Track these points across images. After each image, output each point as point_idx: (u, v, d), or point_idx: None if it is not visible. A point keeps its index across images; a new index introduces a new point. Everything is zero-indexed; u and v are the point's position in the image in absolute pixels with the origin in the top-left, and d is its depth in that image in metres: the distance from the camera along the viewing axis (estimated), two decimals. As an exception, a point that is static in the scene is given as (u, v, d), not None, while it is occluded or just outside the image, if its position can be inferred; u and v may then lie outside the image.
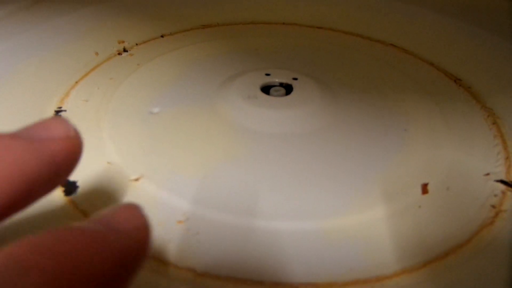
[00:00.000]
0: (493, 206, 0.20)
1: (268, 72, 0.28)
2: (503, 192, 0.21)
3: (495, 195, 0.20)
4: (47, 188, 0.12)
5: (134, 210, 0.12)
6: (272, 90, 0.26)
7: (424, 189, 0.21)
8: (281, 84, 0.27)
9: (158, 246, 0.17)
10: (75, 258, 0.09)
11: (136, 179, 0.20)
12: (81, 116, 0.25)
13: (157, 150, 0.22)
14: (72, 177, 0.20)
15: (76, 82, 0.28)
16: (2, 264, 0.09)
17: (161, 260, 0.17)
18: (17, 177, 0.10)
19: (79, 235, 0.10)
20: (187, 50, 0.32)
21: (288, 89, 0.27)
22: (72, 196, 0.20)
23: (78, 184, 0.20)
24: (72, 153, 0.12)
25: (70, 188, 0.20)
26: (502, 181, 0.21)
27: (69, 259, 0.09)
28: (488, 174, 0.21)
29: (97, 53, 0.31)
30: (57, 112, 0.25)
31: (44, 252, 0.09)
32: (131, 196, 0.20)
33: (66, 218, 0.18)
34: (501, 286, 0.17)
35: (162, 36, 0.34)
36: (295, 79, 0.27)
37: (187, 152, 0.22)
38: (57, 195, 0.19)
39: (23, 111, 0.24)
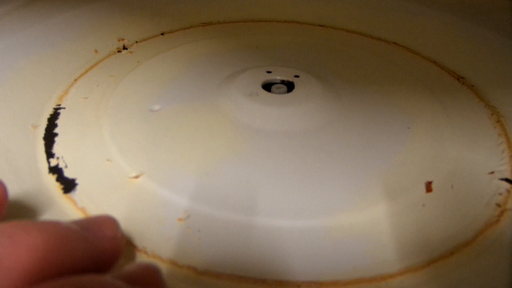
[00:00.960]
0: (498, 205, 0.20)
1: (269, 70, 0.27)
2: (508, 191, 0.20)
3: (500, 194, 0.20)
4: None
5: (111, 221, 0.14)
6: (273, 88, 0.26)
7: (428, 187, 0.20)
8: (282, 82, 0.27)
9: (158, 244, 0.17)
10: (59, 246, 0.12)
11: (136, 177, 0.20)
12: (80, 113, 0.24)
13: (158, 147, 0.22)
14: (72, 175, 0.20)
15: (76, 80, 0.28)
16: None
17: (161, 258, 0.17)
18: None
19: (64, 229, 0.12)
20: (187, 47, 0.32)
21: (289, 86, 0.26)
22: (71, 194, 0.19)
23: (77, 181, 0.20)
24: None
25: (69, 185, 0.20)
26: (506, 180, 0.21)
27: (54, 246, 0.11)
28: (492, 172, 0.21)
29: (96, 51, 0.30)
30: (56, 109, 0.25)
31: (35, 232, 0.11)
32: (131, 193, 0.19)
33: (65, 216, 0.18)
34: (506, 284, 0.16)
35: (162, 34, 0.34)
36: (296, 76, 0.27)
37: (188, 150, 0.22)
38: (56, 193, 0.19)
39: (23, 108, 0.24)
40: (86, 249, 0.13)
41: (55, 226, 0.12)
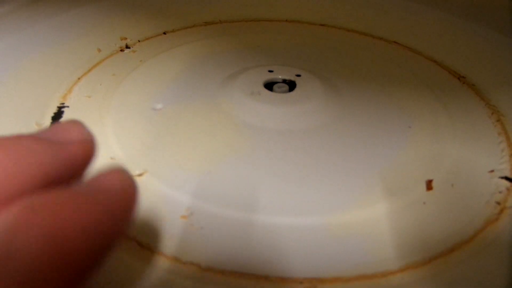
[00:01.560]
0: (498, 203, 0.20)
1: (271, 69, 0.28)
2: (508, 189, 0.20)
3: (500, 192, 0.20)
4: None
5: (122, 173, 0.13)
6: (275, 87, 0.26)
7: (429, 185, 0.20)
8: (284, 81, 0.27)
9: (162, 241, 0.17)
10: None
11: (140, 175, 0.20)
12: (84, 112, 0.25)
13: (161, 145, 0.22)
14: (75, 173, 0.20)
15: (79, 79, 0.28)
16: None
17: (165, 255, 0.17)
18: (38, 178, 0.11)
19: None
20: (190, 47, 0.32)
21: (291, 85, 0.26)
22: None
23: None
24: (87, 155, 0.13)
25: (73, 183, 0.20)
26: (506, 178, 0.21)
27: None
28: (492, 171, 0.21)
29: (99, 50, 0.30)
30: (60, 108, 0.25)
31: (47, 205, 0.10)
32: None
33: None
34: (506, 282, 0.16)
35: (164, 33, 0.34)
36: (298, 75, 0.27)
37: (190, 148, 0.22)
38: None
39: (27, 107, 0.24)
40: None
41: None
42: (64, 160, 0.12)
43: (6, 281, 0.09)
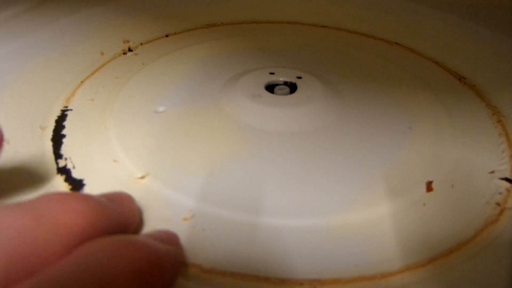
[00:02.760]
0: (498, 204, 0.20)
1: (272, 71, 0.28)
2: (508, 190, 0.21)
3: (500, 193, 0.20)
4: None
5: (129, 197, 0.17)
6: (276, 89, 0.26)
7: (429, 186, 0.21)
8: (285, 83, 0.27)
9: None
10: (100, 213, 0.14)
11: (142, 177, 0.21)
12: (87, 115, 0.25)
13: (163, 148, 0.22)
14: (79, 175, 0.21)
15: (82, 82, 0.28)
16: None
17: (167, 257, 0.17)
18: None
19: (100, 200, 0.15)
20: (192, 49, 0.32)
21: (292, 87, 0.27)
22: (79, 194, 0.20)
23: (85, 182, 0.20)
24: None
25: (78, 186, 0.20)
26: (506, 179, 0.21)
27: (97, 212, 0.14)
28: (492, 172, 0.22)
29: (102, 53, 0.31)
30: (63, 111, 0.25)
31: (81, 201, 0.14)
32: (137, 194, 0.20)
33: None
34: (506, 283, 0.17)
35: (166, 36, 0.34)
36: (299, 77, 0.27)
37: (192, 150, 0.22)
38: (64, 193, 0.20)
39: (31, 110, 0.25)
40: (115, 217, 0.15)
41: (93, 198, 0.15)
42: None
43: None
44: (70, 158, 0.22)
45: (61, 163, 0.21)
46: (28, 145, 0.22)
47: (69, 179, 0.21)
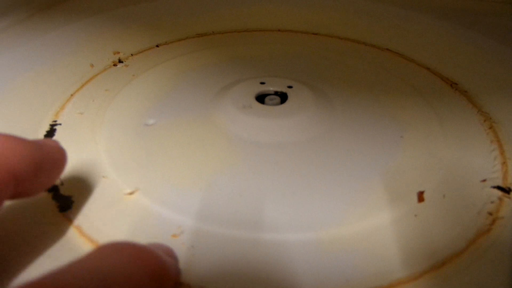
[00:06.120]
0: (490, 213, 0.20)
1: (263, 81, 0.28)
2: (500, 199, 0.20)
3: (492, 202, 0.20)
4: (40, 181, 0.16)
5: (170, 249, 0.17)
6: (267, 99, 0.26)
7: (420, 197, 0.20)
8: (276, 93, 0.27)
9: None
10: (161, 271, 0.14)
11: (131, 193, 0.20)
12: (76, 129, 0.25)
13: (152, 162, 0.22)
14: (67, 192, 0.20)
15: (72, 95, 0.28)
16: None
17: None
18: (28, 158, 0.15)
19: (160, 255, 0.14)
20: (182, 59, 0.32)
21: (283, 97, 0.27)
22: (67, 212, 0.19)
23: (73, 199, 0.20)
24: (61, 158, 0.17)
25: (66, 203, 0.20)
26: (499, 187, 0.21)
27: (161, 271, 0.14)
28: (484, 180, 0.21)
29: (92, 65, 0.31)
30: (52, 126, 0.25)
31: (149, 253, 0.14)
32: (126, 210, 0.20)
33: (62, 234, 0.18)
34: (499, 294, 0.16)
35: (157, 46, 0.34)
36: (290, 87, 0.27)
37: (182, 165, 0.22)
38: (51, 211, 0.19)
39: (20, 125, 0.25)
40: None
41: (156, 252, 0.14)
42: (45, 152, 0.16)
43: None
44: (58, 174, 0.21)
45: (49, 180, 0.21)
46: (16, 162, 0.22)
47: (57, 196, 0.20)
